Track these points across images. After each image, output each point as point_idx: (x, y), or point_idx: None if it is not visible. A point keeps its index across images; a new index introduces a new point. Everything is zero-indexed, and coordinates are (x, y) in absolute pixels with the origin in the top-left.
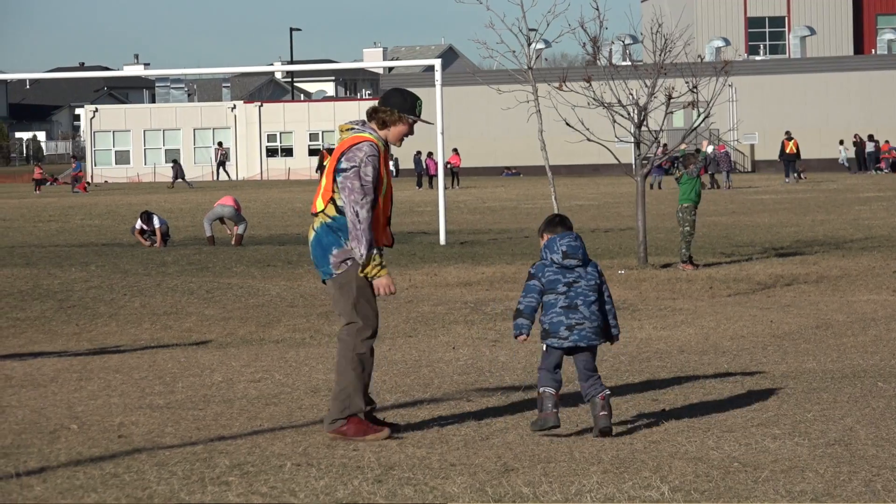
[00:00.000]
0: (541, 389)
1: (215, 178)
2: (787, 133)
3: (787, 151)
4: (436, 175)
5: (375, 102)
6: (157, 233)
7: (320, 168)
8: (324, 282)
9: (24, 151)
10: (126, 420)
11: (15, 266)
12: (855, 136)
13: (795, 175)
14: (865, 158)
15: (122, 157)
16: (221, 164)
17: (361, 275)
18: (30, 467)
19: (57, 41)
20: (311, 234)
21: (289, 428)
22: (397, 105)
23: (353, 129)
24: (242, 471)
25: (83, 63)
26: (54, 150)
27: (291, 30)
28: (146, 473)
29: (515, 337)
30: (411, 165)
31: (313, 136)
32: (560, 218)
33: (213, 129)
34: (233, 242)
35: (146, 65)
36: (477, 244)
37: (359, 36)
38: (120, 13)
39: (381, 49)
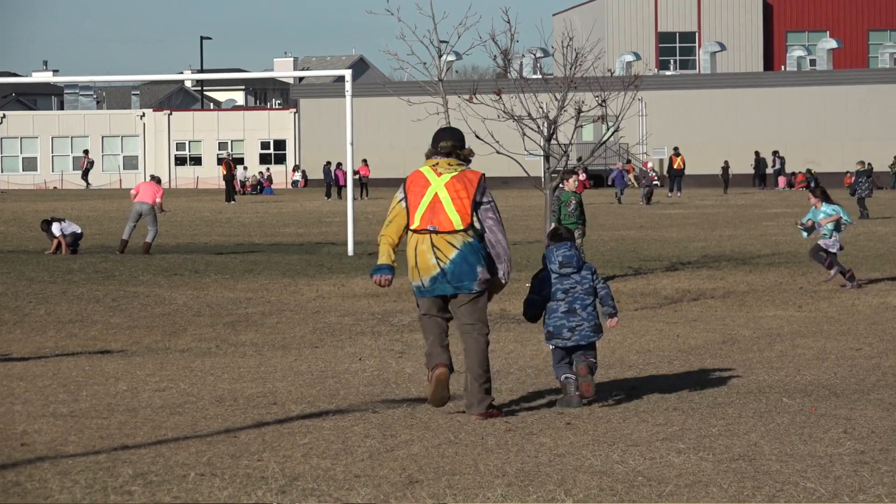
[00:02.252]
0: (562, 378)
1: (86, 186)
2: (675, 149)
3: (675, 167)
4: (345, 186)
5: (287, 113)
6: (61, 241)
7: (226, 179)
8: (427, 295)
9: None
10: (29, 428)
11: None
12: (756, 153)
13: (678, 192)
14: (764, 174)
15: (30, 164)
16: (86, 172)
17: (498, 294)
18: None
19: None
20: (450, 250)
21: (193, 437)
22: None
23: (459, 166)
24: (146, 480)
25: None
26: None
27: (202, 38)
28: (49, 482)
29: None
30: (320, 176)
31: (222, 145)
32: (558, 231)
33: (122, 136)
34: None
35: (55, 71)
36: None
37: (269, 45)
38: (29, 19)
39: (292, 59)
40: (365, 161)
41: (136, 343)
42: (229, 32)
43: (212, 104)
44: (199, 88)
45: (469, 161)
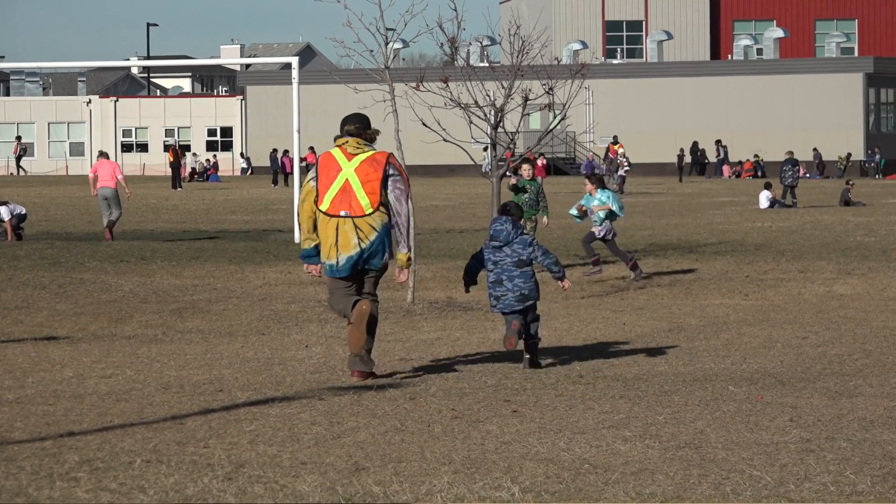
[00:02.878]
0: (509, 318)
1: (16, 173)
2: (614, 137)
3: (611, 156)
4: (291, 173)
5: (234, 100)
6: (7, 225)
7: (172, 166)
8: (353, 277)
9: None
10: None
11: None
12: (694, 144)
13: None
14: (704, 164)
15: None
16: (19, 158)
17: (406, 263)
18: None
19: None
20: (371, 232)
21: (139, 424)
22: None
23: (367, 146)
24: (92, 467)
25: None
26: None
27: (148, 25)
28: None
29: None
30: (267, 163)
31: (169, 132)
32: (504, 206)
33: (68, 123)
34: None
35: (1, 57)
36: None
37: (216, 32)
38: None
39: (239, 46)
40: (312, 148)
41: (82, 330)
42: (176, 19)
43: (158, 91)
44: (146, 75)
45: (374, 141)
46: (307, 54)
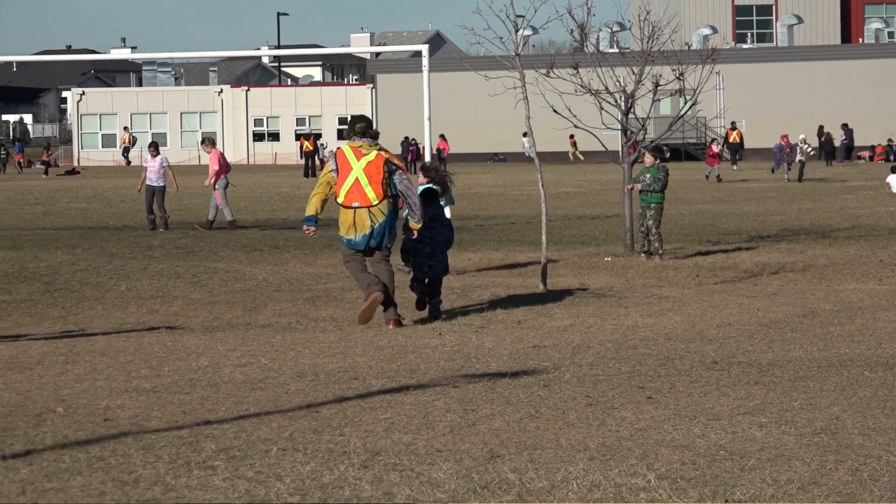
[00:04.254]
0: (415, 287)
1: (126, 164)
2: (732, 123)
3: (731, 141)
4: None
5: (364, 88)
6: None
7: (304, 155)
8: (365, 250)
9: (11, 134)
10: (112, 403)
11: (1, 249)
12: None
13: (739, 163)
14: (834, 150)
15: (109, 141)
16: (126, 150)
17: (419, 227)
18: (15, 450)
19: (44, 24)
20: (380, 216)
21: (275, 412)
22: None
23: (373, 146)
24: (228, 455)
25: (70, 46)
26: (41, 133)
27: (279, 14)
28: (132, 457)
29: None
30: (398, 151)
31: (300, 121)
32: (428, 191)
33: (200, 112)
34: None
35: (133, 48)
36: (462, 230)
37: (346, 21)
38: None
39: (369, 34)
40: (442, 136)
41: (217, 318)
42: (306, 8)
43: (289, 80)
44: (277, 64)
45: (377, 137)
46: (437, 42)
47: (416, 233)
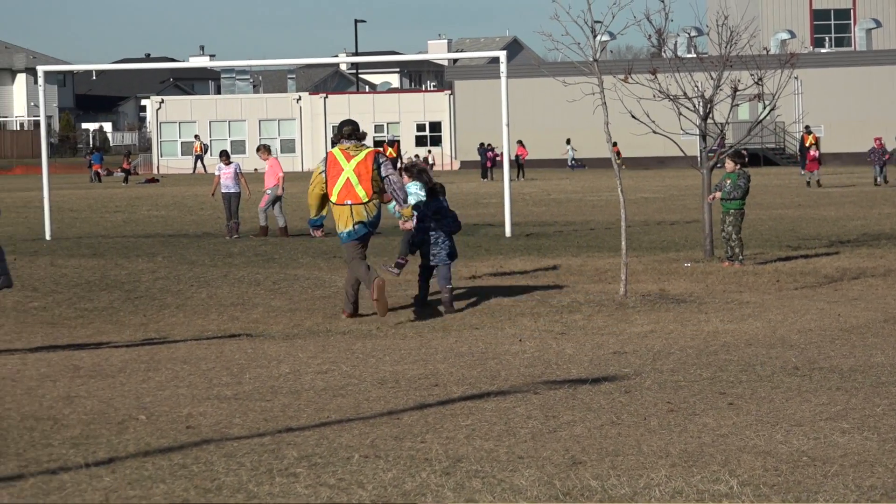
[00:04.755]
0: (394, 267)
1: (193, 171)
2: (807, 127)
3: (807, 145)
4: (494, 167)
5: (442, 95)
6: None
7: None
8: (354, 238)
9: (91, 142)
10: (194, 411)
11: (82, 257)
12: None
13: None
14: None
15: (188, 149)
16: (198, 157)
17: (409, 214)
18: (99, 458)
19: (123, 32)
20: (373, 210)
21: (356, 419)
22: None
23: (361, 147)
24: (310, 462)
25: (149, 54)
26: (120, 141)
27: (356, 21)
28: (214, 464)
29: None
30: (476, 157)
31: (378, 128)
32: (434, 187)
33: (279, 120)
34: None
35: (212, 56)
36: (542, 236)
37: (424, 27)
38: (186, 4)
39: (446, 41)
40: (520, 142)
41: (298, 326)
42: (383, 15)
43: (367, 87)
44: (355, 71)
45: (364, 139)
46: (514, 48)
47: (413, 220)
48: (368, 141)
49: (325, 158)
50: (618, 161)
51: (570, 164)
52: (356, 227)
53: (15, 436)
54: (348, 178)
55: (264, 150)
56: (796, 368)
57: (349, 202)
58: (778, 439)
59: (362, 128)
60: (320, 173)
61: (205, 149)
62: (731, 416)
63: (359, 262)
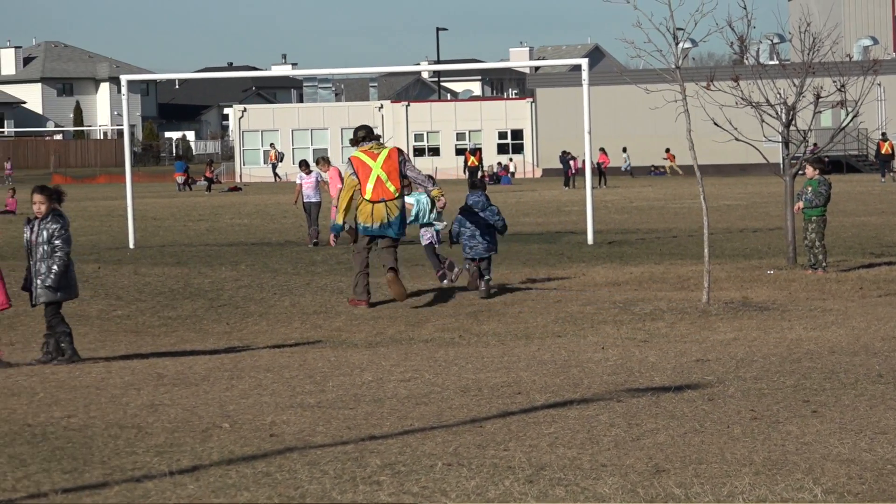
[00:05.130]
0: (467, 267)
1: (273, 180)
2: (884, 134)
3: (883, 152)
4: (576, 174)
5: (524, 103)
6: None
7: (468, 168)
8: (372, 237)
9: (174, 151)
10: (277, 419)
11: (166, 265)
12: None
13: (892, 174)
14: None
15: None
16: (275, 166)
17: (439, 193)
18: (183, 466)
19: (206, 41)
20: (395, 211)
21: (439, 427)
22: None
23: (381, 146)
24: (393, 470)
25: (231, 63)
26: (203, 150)
27: (438, 29)
28: (298, 472)
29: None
30: (559, 165)
31: (460, 136)
32: (474, 182)
33: None
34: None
35: (294, 64)
36: (625, 244)
37: (505, 35)
38: (268, 13)
39: (528, 48)
40: (602, 149)
41: (380, 334)
42: (465, 23)
43: (448, 95)
44: (436, 79)
45: (379, 139)
46: (596, 55)
47: (443, 200)
48: (450, 149)
49: (350, 163)
50: (672, 168)
51: (624, 168)
52: (375, 226)
53: (100, 444)
54: (378, 176)
55: (324, 161)
56: (880, 376)
57: (384, 199)
58: (862, 447)
59: (443, 134)
60: (351, 176)
61: (280, 157)
62: (814, 423)
63: (361, 259)
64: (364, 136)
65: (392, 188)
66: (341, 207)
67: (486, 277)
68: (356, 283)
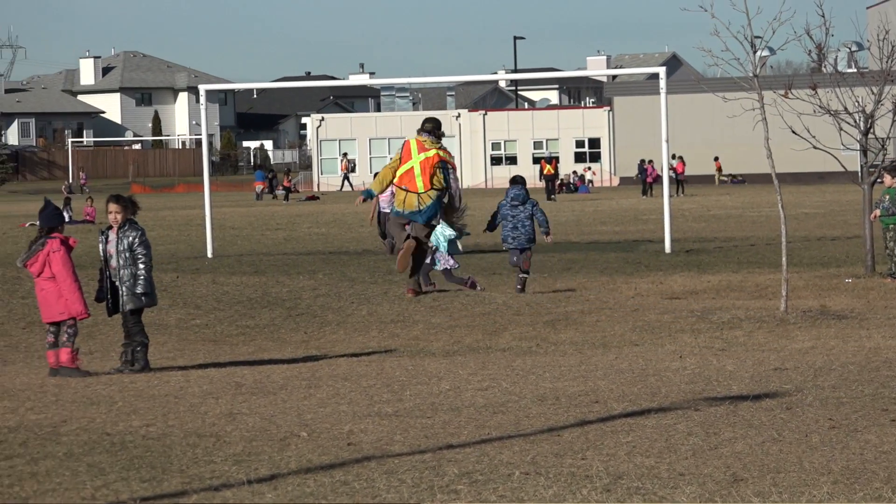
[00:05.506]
0: (513, 260)
1: (341, 188)
2: None
3: None
4: (654, 182)
5: (601, 111)
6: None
7: (543, 177)
8: (407, 221)
9: (252, 160)
10: (355, 428)
11: (244, 274)
12: None
13: None
14: None
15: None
16: (346, 176)
17: (455, 219)
18: (261, 474)
19: (284, 51)
20: (427, 201)
21: (516, 436)
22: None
23: (435, 143)
24: (471, 479)
25: (309, 72)
26: (281, 159)
27: (515, 38)
28: (375, 481)
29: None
30: (636, 173)
31: (537, 145)
32: (514, 178)
33: None
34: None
35: (371, 74)
36: (702, 252)
37: (582, 44)
38: (345, 23)
39: (605, 57)
40: (680, 158)
41: (458, 342)
42: (542, 31)
43: (526, 103)
44: (514, 88)
45: (441, 139)
46: (673, 64)
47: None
48: (527, 158)
49: (403, 144)
50: (723, 177)
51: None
52: (406, 212)
53: (178, 452)
54: (412, 168)
55: None
56: None
57: (405, 187)
58: None
59: (520, 143)
60: (396, 156)
61: (352, 167)
62: (893, 432)
63: (400, 232)
64: (429, 128)
65: (420, 184)
66: (381, 178)
67: (522, 275)
68: (399, 241)
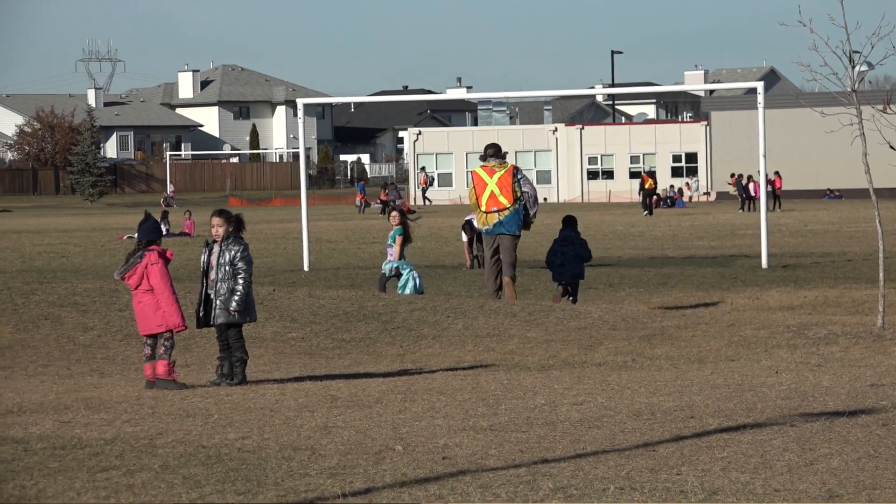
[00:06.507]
0: (558, 288)
1: (422, 203)
2: None
3: None
4: (757, 198)
5: (699, 126)
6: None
7: (643, 191)
8: (486, 233)
9: (349, 174)
10: (450, 441)
11: (340, 287)
12: None
13: None
14: None
15: (445, 180)
16: (425, 190)
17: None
18: (356, 488)
19: (381, 65)
20: (507, 212)
21: (611, 451)
22: None
23: (501, 164)
24: (566, 494)
25: (407, 86)
26: (378, 173)
27: (613, 52)
28: (470, 495)
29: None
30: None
31: (634, 159)
32: (568, 218)
33: (535, 151)
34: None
35: (469, 88)
36: (799, 267)
37: (680, 58)
38: (443, 37)
39: (703, 71)
40: (777, 173)
41: (553, 357)
42: (640, 46)
43: (623, 118)
44: (611, 102)
45: (504, 157)
46: (771, 78)
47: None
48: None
49: (472, 178)
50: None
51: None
52: (490, 227)
53: (273, 465)
54: (492, 191)
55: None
56: None
57: (495, 209)
58: None
59: (617, 158)
60: (473, 189)
61: (430, 182)
62: None
63: (490, 260)
64: (491, 154)
65: (505, 201)
66: (472, 205)
67: (571, 299)
68: (488, 276)
